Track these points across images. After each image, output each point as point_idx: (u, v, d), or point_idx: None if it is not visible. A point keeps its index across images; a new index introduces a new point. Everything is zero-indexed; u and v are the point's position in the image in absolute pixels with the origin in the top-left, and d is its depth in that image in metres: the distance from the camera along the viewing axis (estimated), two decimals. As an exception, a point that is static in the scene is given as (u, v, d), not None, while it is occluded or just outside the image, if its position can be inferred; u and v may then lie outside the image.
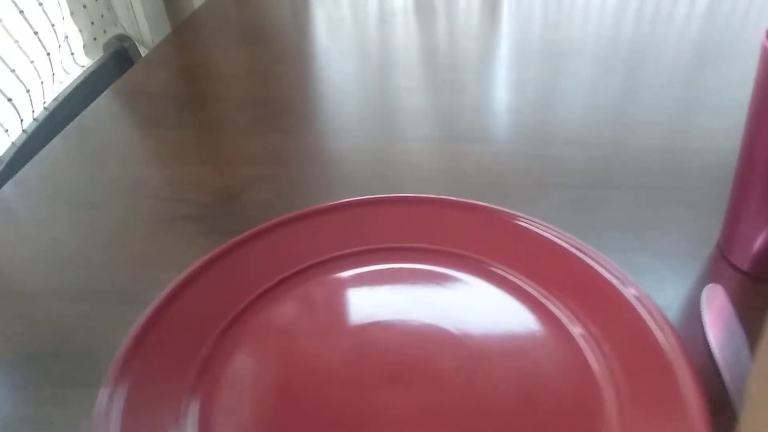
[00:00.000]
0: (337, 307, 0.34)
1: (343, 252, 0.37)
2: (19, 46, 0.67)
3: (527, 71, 0.64)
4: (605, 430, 0.27)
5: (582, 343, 0.31)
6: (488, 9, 0.81)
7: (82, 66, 0.85)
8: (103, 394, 0.28)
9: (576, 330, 0.32)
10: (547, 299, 0.33)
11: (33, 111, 0.67)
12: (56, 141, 0.53)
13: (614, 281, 0.32)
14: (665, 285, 0.37)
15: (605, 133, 0.52)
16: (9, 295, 0.37)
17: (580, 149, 0.50)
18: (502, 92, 0.60)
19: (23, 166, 0.50)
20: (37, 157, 0.51)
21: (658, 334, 0.29)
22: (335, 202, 0.40)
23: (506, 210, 0.37)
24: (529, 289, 0.34)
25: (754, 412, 0.18)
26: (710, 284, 0.36)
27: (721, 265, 0.38)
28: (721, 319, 0.33)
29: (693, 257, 0.39)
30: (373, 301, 0.35)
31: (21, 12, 0.64)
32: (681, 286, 0.37)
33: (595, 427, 0.27)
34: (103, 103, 0.60)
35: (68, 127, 0.55)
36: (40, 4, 0.67)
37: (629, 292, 0.32)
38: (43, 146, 0.52)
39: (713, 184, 0.45)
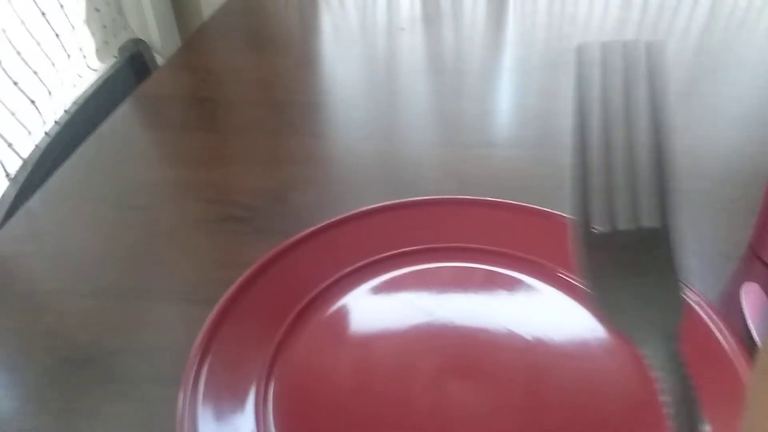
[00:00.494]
0: (403, 302, 0.36)
1: (408, 249, 0.38)
2: (42, 49, 0.67)
3: (555, 77, 0.66)
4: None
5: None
6: (494, 20, 0.83)
7: (95, 70, 0.85)
8: (186, 379, 0.29)
9: None
10: None
11: (54, 113, 0.67)
12: (89, 143, 0.54)
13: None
14: (702, 284, 0.38)
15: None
16: (64, 293, 0.38)
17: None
18: (533, 99, 0.62)
19: (49, 168, 0.51)
20: (71, 160, 0.52)
21: (716, 333, 0.31)
22: (402, 200, 0.41)
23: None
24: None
25: (755, 413, 0.18)
26: (747, 282, 0.38)
27: (754, 264, 0.40)
28: (762, 315, 0.35)
29: (726, 257, 0.41)
30: (438, 298, 0.36)
31: (43, 14, 0.64)
32: (716, 285, 0.39)
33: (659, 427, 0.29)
34: (131, 106, 0.60)
35: (99, 129, 0.56)
36: (62, 6, 0.67)
37: (689, 296, 0.33)
38: (67, 149, 0.52)
39: (739, 187, 0.47)
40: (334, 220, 0.39)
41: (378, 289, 0.36)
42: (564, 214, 0.39)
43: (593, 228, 0.23)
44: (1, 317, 0.36)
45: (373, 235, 0.39)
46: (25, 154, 0.61)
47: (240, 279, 0.35)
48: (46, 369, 0.33)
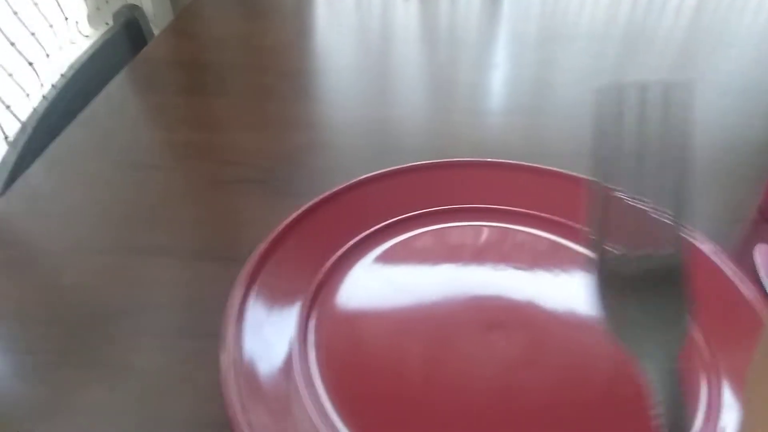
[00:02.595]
0: (441, 256, 0.37)
1: (444, 207, 0.39)
2: (39, 10, 0.65)
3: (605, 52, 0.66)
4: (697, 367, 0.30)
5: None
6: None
7: (86, 36, 0.83)
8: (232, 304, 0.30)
9: None
10: None
11: (52, 77, 0.66)
12: (95, 104, 0.53)
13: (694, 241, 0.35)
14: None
15: None
16: (82, 251, 0.37)
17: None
18: (527, 69, 0.62)
19: (48, 132, 0.49)
20: (77, 120, 0.51)
21: (740, 285, 0.32)
22: (442, 161, 0.41)
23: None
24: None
25: (754, 413, 0.18)
26: (760, 244, 0.39)
27: (763, 226, 0.41)
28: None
29: (736, 221, 0.42)
30: (473, 254, 0.37)
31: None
32: (727, 248, 0.40)
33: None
34: (135, 70, 0.59)
35: (104, 90, 0.55)
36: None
37: (708, 248, 0.35)
38: (66, 114, 0.51)
39: (745, 155, 0.48)
40: (371, 175, 0.39)
41: (417, 242, 0.37)
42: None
43: (610, 250, 0.24)
44: (20, 275, 0.36)
45: (410, 191, 0.39)
46: (23, 117, 0.60)
47: (285, 221, 0.35)
48: (73, 324, 0.33)
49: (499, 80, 0.61)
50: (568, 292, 0.34)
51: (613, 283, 0.23)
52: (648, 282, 0.23)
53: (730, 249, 0.39)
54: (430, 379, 0.30)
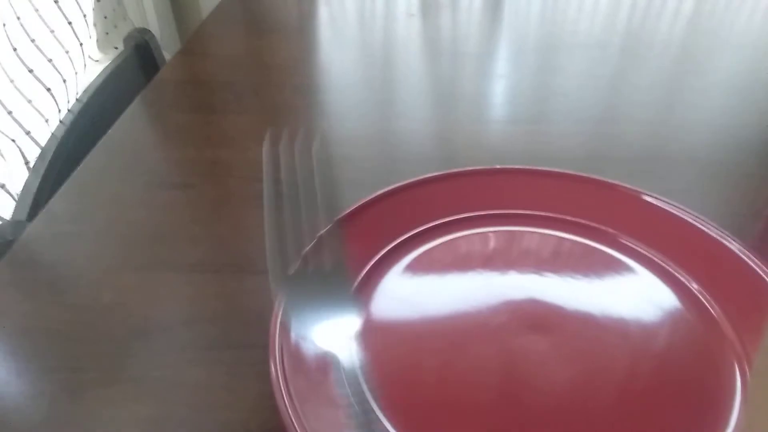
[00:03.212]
0: (480, 259, 0.38)
1: (486, 213, 0.40)
2: (56, 37, 0.67)
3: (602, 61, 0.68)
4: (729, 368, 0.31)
5: (700, 296, 0.34)
6: (491, 6, 0.85)
7: (96, 60, 0.85)
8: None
9: (694, 286, 0.35)
10: (665, 262, 0.37)
11: (68, 102, 0.67)
12: (118, 126, 0.54)
13: (722, 240, 0.36)
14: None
15: (657, 111, 0.57)
16: (119, 270, 0.38)
17: (634, 126, 0.54)
18: (528, 78, 0.64)
19: (67, 157, 0.50)
20: (101, 143, 0.51)
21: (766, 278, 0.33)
22: (478, 168, 0.42)
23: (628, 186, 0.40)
24: (648, 253, 0.37)
25: (756, 411, 0.20)
26: (780, 238, 0.40)
27: (782, 222, 0.42)
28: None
29: (753, 216, 0.43)
30: (511, 258, 0.38)
31: (56, 1, 0.64)
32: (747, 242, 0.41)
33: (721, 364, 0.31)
34: (154, 91, 0.60)
35: (124, 114, 0.55)
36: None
37: (735, 246, 0.35)
38: (84, 138, 0.52)
39: (759, 156, 0.49)
40: (417, 179, 0.40)
41: (457, 245, 0.38)
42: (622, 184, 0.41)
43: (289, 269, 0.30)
44: (60, 294, 0.37)
45: (455, 197, 0.40)
46: (42, 142, 0.61)
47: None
48: (116, 341, 0.33)
49: (501, 89, 0.62)
50: (609, 295, 0.35)
51: (296, 291, 0.30)
52: (322, 287, 0.30)
53: (750, 243, 0.40)
54: (475, 380, 0.31)
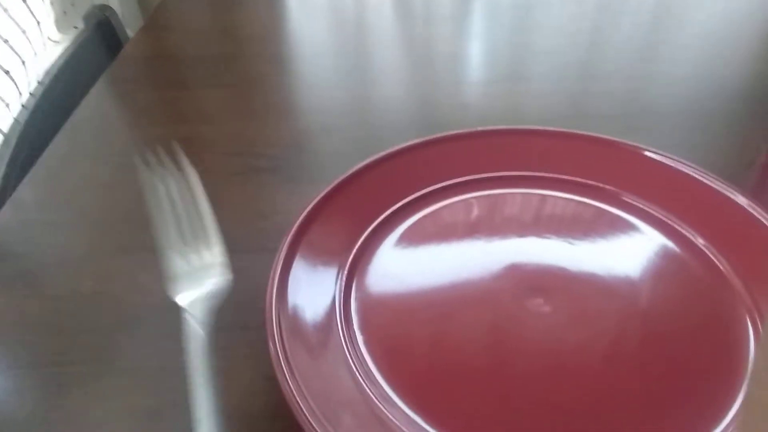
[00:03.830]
0: (479, 223, 0.36)
1: (480, 176, 0.38)
2: (11, 16, 0.63)
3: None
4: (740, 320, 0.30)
5: (708, 252, 0.34)
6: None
7: (56, 41, 0.80)
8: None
9: (700, 241, 0.34)
10: (669, 218, 0.36)
11: (29, 85, 0.63)
12: (83, 106, 0.51)
13: (726, 193, 0.35)
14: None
15: (639, 66, 0.56)
16: (98, 255, 0.36)
17: (618, 81, 0.53)
18: (503, 37, 0.62)
19: (33, 142, 0.48)
20: (67, 125, 0.49)
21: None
22: (471, 130, 0.40)
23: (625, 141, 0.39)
24: (651, 210, 0.36)
25: (754, 411, 0.19)
26: (778, 187, 0.39)
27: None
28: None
29: (746, 165, 0.42)
30: (510, 221, 0.36)
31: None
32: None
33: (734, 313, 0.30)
34: (120, 68, 0.57)
35: (89, 94, 0.53)
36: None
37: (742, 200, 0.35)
38: (47, 122, 0.49)
39: (750, 103, 0.49)
40: (409, 144, 0.39)
41: (454, 210, 0.37)
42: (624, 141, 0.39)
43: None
44: (36, 286, 0.34)
45: (449, 160, 0.39)
46: (4, 127, 0.58)
47: (322, 192, 0.35)
48: (102, 330, 0.31)
49: (479, 50, 0.61)
50: (611, 257, 0.34)
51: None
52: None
53: (746, 193, 0.40)
54: (479, 346, 0.30)
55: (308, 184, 0.40)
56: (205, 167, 0.43)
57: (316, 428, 0.23)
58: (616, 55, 0.58)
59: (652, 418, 0.26)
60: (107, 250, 0.37)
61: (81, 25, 0.76)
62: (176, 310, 0.32)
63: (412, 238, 0.35)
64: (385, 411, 0.26)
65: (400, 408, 0.26)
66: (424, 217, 0.36)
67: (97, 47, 0.73)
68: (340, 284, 0.32)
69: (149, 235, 0.37)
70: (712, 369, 0.28)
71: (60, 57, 0.67)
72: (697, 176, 0.36)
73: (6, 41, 0.62)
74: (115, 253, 0.36)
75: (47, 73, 0.65)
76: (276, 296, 0.29)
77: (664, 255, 0.34)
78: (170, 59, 0.59)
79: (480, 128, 0.40)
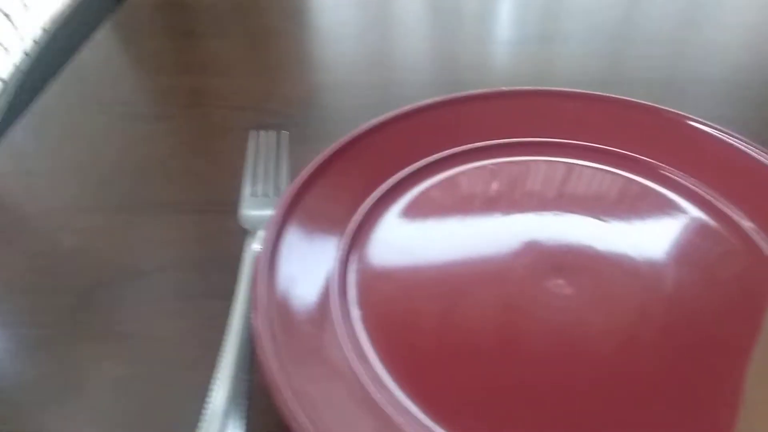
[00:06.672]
0: (496, 193, 0.33)
1: (501, 141, 0.35)
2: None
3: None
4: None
5: (754, 236, 0.30)
6: None
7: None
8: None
9: (746, 224, 0.30)
10: (713, 196, 0.32)
11: (32, 31, 0.60)
12: (85, 52, 0.48)
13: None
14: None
15: (682, 29, 0.51)
16: (84, 210, 0.33)
17: (656, 45, 0.49)
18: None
19: (34, 92, 0.45)
20: (66, 71, 0.46)
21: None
22: (491, 90, 0.37)
23: (668, 108, 0.35)
24: (693, 187, 0.33)
25: (754, 411, 0.18)
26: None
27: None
28: None
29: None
30: (533, 192, 0.33)
31: None
32: None
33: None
34: (126, 15, 0.54)
35: (91, 40, 0.49)
36: None
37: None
38: (50, 71, 0.46)
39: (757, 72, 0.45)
40: (418, 105, 0.35)
41: (468, 178, 0.34)
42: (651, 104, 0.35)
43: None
44: (17, 241, 0.32)
45: (463, 123, 0.35)
46: (3, 74, 0.55)
47: (325, 154, 0.31)
48: (79, 291, 0.29)
49: (508, 6, 0.56)
50: (643, 236, 0.31)
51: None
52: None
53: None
54: (489, 327, 0.26)
55: (317, 141, 0.37)
56: (207, 121, 0.40)
57: (294, 412, 0.20)
58: (658, 16, 0.53)
59: (672, 407, 0.23)
60: (96, 205, 0.34)
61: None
62: (159, 274, 0.30)
63: (421, 207, 0.32)
64: (378, 395, 0.23)
65: (392, 392, 0.23)
66: (437, 184, 0.33)
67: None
68: (340, 254, 0.28)
69: (136, 192, 0.35)
70: (742, 359, 0.25)
71: (68, 6, 0.64)
72: (747, 150, 0.32)
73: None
74: (103, 210, 0.34)
75: (53, 20, 0.62)
76: (266, 267, 0.25)
77: (705, 236, 0.30)
78: (178, 7, 0.55)
79: (502, 88, 0.36)
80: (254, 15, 0.53)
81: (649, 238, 0.30)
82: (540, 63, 0.47)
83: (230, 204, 0.33)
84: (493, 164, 0.34)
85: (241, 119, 0.40)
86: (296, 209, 0.29)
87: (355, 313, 0.26)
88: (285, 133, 0.37)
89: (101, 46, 0.49)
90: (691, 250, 0.30)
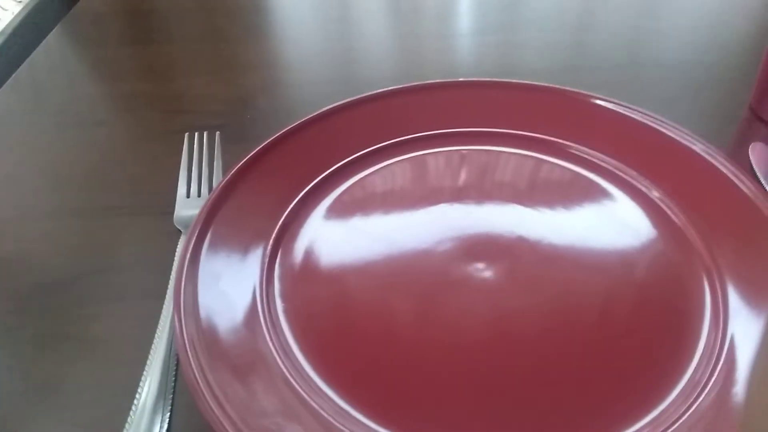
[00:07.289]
0: (415, 185, 0.34)
1: (420, 134, 0.36)
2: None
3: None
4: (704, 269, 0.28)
5: (662, 205, 0.31)
6: None
7: (19, 1, 0.77)
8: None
9: (654, 194, 0.32)
10: (621, 170, 0.33)
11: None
12: (28, 63, 0.48)
13: (684, 141, 0.32)
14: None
15: (628, 20, 0.52)
16: (22, 219, 0.34)
17: (610, 34, 0.50)
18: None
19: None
20: (8, 83, 0.46)
21: (740, 184, 0.30)
22: (407, 85, 0.38)
23: (576, 90, 0.37)
24: (602, 163, 0.34)
25: (754, 411, 0.18)
26: (755, 142, 0.36)
27: (755, 124, 0.39)
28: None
29: (729, 120, 0.39)
30: (451, 182, 0.34)
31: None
32: (722, 148, 0.37)
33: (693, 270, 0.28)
34: (69, 25, 0.54)
35: (37, 49, 0.50)
36: None
37: (701, 148, 0.32)
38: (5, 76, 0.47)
39: (735, 57, 0.46)
40: (339, 104, 0.36)
41: (391, 171, 0.35)
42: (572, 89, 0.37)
43: None
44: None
45: (385, 118, 0.36)
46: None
47: (246, 157, 0.32)
48: (21, 296, 0.29)
49: (466, 2, 0.57)
50: (557, 214, 0.32)
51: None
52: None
53: (725, 149, 0.37)
54: (408, 314, 0.27)
55: (254, 141, 0.37)
56: (144, 126, 0.41)
57: (212, 409, 0.21)
58: (611, 5, 0.54)
59: (599, 385, 0.24)
60: (34, 213, 0.34)
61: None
62: (94, 276, 0.30)
63: (345, 203, 0.33)
64: (297, 387, 0.24)
65: (316, 384, 0.24)
66: (359, 181, 0.34)
67: (58, 6, 0.70)
68: (265, 251, 0.29)
69: (78, 199, 0.35)
70: (665, 330, 0.26)
71: (17, 16, 0.64)
72: (651, 124, 0.34)
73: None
74: (42, 217, 0.34)
75: (2, 33, 0.62)
76: (187, 268, 0.26)
77: (615, 209, 0.32)
78: (127, 14, 0.56)
79: (411, 84, 0.38)
80: (202, 17, 0.54)
81: (564, 217, 0.31)
82: (502, 53, 0.48)
83: (166, 206, 0.34)
84: (406, 159, 0.35)
85: (180, 122, 0.40)
86: (221, 209, 0.29)
87: (280, 306, 0.27)
88: (218, 134, 0.38)
89: (48, 55, 0.49)
90: (602, 222, 0.31)
